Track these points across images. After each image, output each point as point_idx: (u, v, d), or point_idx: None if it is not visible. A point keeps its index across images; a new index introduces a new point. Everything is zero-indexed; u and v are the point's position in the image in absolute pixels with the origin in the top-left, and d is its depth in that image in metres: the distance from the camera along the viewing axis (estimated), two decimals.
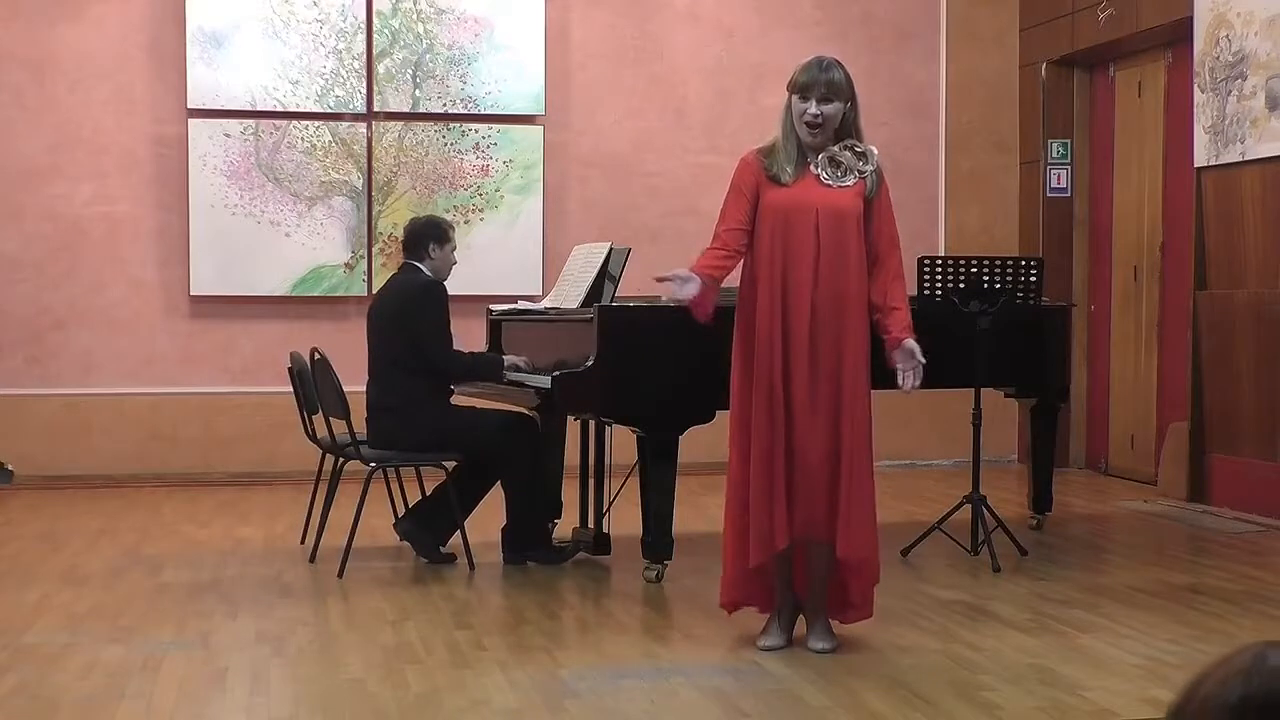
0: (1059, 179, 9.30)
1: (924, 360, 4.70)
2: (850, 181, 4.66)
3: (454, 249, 6.30)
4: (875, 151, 4.73)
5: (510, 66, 8.90)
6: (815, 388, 4.61)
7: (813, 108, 4.61)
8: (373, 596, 5.54)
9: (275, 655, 4.65)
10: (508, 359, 6.18)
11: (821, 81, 4.61)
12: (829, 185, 4.65)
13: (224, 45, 8.63)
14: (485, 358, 6.37)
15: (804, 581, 4.76)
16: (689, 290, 4.58)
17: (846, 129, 4.70)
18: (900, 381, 4.73)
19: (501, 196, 8.93)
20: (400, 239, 6.60)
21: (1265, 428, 7.37)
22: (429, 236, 6.22)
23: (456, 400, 6.29)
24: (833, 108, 4.62)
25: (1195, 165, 7.83)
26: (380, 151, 8.82)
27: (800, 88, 4.64)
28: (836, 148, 4.68)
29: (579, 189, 9.11)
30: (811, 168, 4.67)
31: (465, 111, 8.89)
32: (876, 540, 4.71)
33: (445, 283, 6.21)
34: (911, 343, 4.67)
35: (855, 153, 4.68)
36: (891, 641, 4.77)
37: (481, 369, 6.25)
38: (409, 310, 6.07)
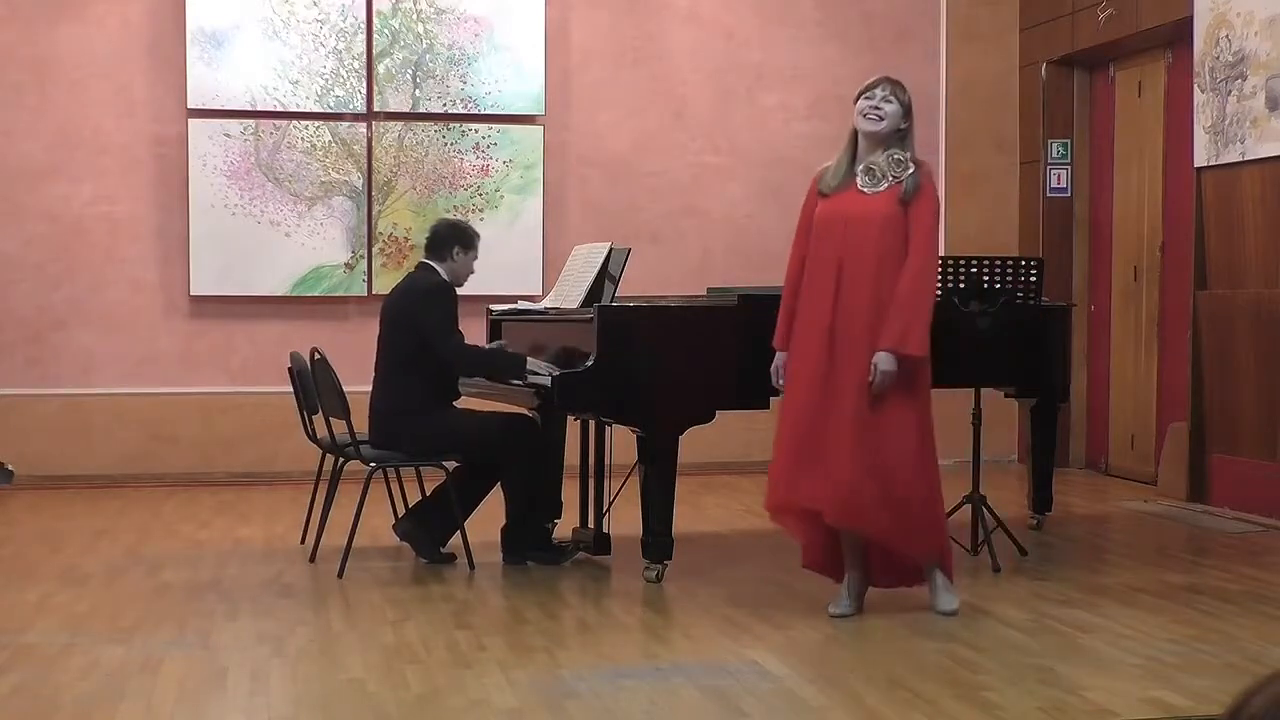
0: (1059, 179, 9.30)
1: (888, 370, 4.80)
2: (884, 187, 4.88)
3: (475, 258, 6.25)
4: (920, 163, 4.93)
5: (510, 66, 8.90)
6: (829, 398, 4.85)
7: (875, 100, 4.89)
8: (373, 596, 5.54)
9: (275, 655, 4.65)
10: (531, 361, 5.95)
11: (886, 81, 4.95)
12: (864, 193, 4.89)
13: (224, 45, 8.63)
14: (508, 353, 6.20)
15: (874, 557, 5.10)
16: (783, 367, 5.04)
17: (896, 140, 4.92)
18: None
19: (501, 196, 8.93)
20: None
21: (1265, 428, 7.36)
22: (455, 240, 6.18)
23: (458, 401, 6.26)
24: (894, 108, 4.89)
25: (1195, 165, 7.83)
26: (380, 151, 8.81)
27: (865, 88, 4.94)
28: (879, 156, 4.88)
29: (579, 189, 9.11)
30: (856, 179, 4.91)
31: (465, 111, 8.89)
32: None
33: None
34: (879, 357, 4.80)
35: (893, 160, 4.90)
36: (891, 641, 4.77)
37: (501, 362, 6.12)
38: (418, 308, 6.02)
